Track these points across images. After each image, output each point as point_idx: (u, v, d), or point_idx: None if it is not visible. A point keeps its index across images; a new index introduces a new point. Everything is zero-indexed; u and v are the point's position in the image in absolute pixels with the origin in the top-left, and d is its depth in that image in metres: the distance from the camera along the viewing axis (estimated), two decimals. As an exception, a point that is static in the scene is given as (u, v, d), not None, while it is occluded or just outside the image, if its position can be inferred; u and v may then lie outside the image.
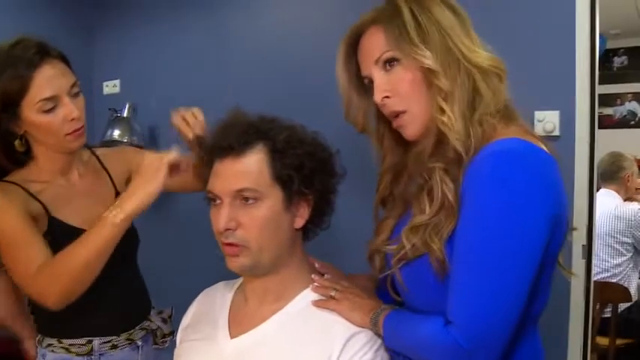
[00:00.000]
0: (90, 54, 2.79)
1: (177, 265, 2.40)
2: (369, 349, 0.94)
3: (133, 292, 1.43)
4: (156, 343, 1.44)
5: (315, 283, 1.05)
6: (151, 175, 1.14)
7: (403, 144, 1.03)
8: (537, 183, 0.82)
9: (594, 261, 1.71)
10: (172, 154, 1.17)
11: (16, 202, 1.20)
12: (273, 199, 0.99)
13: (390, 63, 0.95)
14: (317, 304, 1.01)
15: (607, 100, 5.75)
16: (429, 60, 0.90)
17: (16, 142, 1.25)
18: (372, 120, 1.07)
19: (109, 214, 1.13)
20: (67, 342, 1.30)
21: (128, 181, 1.38)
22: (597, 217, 2.90)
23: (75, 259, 1.13)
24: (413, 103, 0.94)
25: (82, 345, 1.30)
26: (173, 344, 1.21)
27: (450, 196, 0.87)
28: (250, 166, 0.99)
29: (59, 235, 1.19)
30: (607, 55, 5.66)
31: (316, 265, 1.11)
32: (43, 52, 1.20)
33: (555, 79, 1.66)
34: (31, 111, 1.19)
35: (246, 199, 0.98)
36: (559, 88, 1.66)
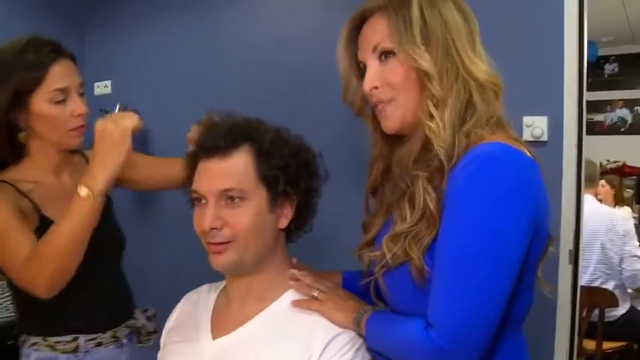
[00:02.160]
0: (81, 54, 2.74)
1: (162, 266, 2.39)
2: (349, 349, 0.94)
3: (118, 290, 1.44)
4: (140, 342, 1.45)
5: (296, 282, 1.04)
6: (117, 142, 1.12)
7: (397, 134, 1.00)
8: (517, 187, 0.81)
9: (581, 266, 1.72)
10: (134, 119, 1.17)
11: (5, 197, 1.21)
12: (258, 199, 0.99)
13: (386, 55, 0.94)
14: (299, 304, 1.01)
15: (598, 106, 5.81)
16: (426, 62, 0.88)
17: (22, 135, 1.27)
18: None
19: (80, 191, 1.12)
20: (52, 340, 1.29)
21: (124, 174, 1.38)
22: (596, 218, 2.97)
23: (57, 241, 1.12)
24: (401, 95, 0.93)
25: (68, 342, 1.30)
26: (157, 344, 1.21)
27: (432, 206, 0.86)
28: (236, 167, 0.99)
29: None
30: (598, 62, 5.72)
31: (293, 261, 1.11)
32: (60, 50, 1.27)
33: (544, 85, 1.67)
34: (41, 101, 1.22)
35: (232, 199, 0.98)
36: (547, 94, 1.67)
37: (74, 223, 1.12)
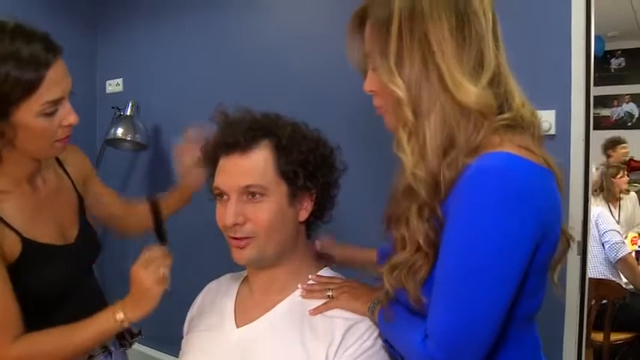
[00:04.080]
0: (93, 53, 2.82)
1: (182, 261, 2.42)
2: (368, 337, 0.97)
3: (98, 299, 1.34)
4: (123, 345, 1.37)
5: (307, 293, 1.05)
6: (150, 289, 1.06)
7: None
8: (511, 200, 0.76)
9: (589, 257, 1.74)
10: (165, 280, 1.07)
11: None
12: (278, 195, 1.02)
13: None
14: (318, 310, 1.02)
15: (604, 101, 5.78)
16: (401, 91, 0.83)
17: None
18: None
19: (117, 315, 1.06)
20: None
21: (84, 184, 1.33)
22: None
23: (64, 350, 1.06)
24: (388, 108, 0.89)
25: None
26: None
27: (421, 240, 0.84)
28: (256, 163, 1.01)
29: (32, 256, 1.10)
30: (605, 57, 5.69)
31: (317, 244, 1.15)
32: (53, 46, 1.04)
33: (551, 79, 1.68)
34: (29, 113, 1.01)
35: (253, 194, 1.01)
36: (555, 88, 1.68)
37: (91, 341, 1.08)
